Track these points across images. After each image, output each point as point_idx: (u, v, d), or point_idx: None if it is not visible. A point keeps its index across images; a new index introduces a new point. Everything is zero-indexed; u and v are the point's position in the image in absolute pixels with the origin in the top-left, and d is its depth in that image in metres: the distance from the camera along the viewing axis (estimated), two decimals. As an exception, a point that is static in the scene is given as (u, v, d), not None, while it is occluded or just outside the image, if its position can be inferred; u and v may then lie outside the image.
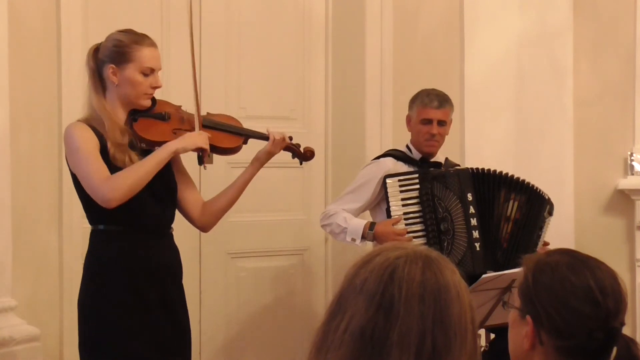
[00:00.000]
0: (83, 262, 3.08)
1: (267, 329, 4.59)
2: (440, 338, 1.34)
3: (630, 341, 1.94)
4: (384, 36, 4.67)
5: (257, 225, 4.57)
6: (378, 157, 4.03)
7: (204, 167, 3.13)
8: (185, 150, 3.02)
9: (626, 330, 1.87)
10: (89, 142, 2.92)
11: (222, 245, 4.46)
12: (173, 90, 4.02)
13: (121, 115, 3.04)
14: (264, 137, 3.22)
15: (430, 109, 3.93)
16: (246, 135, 3.22)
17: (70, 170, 3.01)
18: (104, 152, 2.94)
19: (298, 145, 3.31)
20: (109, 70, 3.00)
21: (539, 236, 3.83)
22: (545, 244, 3.88)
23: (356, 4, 4.67)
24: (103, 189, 2.86)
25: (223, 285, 4.48)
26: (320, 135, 4.75)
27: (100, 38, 4.04)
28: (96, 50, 3.05)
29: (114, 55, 2.99)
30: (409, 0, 4.77)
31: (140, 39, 3.02)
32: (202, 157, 3.07)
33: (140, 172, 2.91)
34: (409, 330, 1.34)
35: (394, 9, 4.69)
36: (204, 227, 3.29)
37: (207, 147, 3.05)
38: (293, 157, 3.34)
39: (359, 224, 3.84)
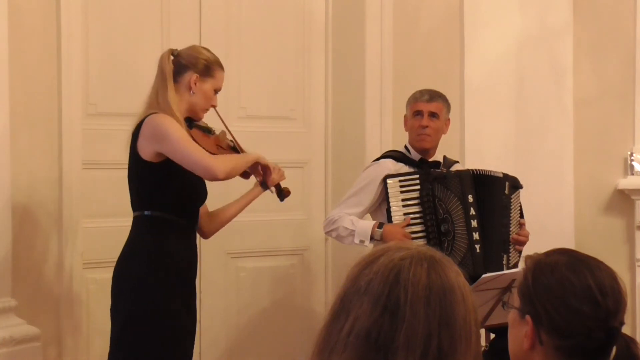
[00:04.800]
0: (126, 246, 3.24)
1: (267, 328, 4.59)
2: (446, 340, 1.34)
3: (630, 340, 1.94)
4: (384, 36, 4.67)
5: (257, 225, 4.56)
6: (378, 159, 4.03)
7: (271, 191, 3.44)
8: (264, 163, 3.34)
9: (626, 330, 1.87)
10: (184, 131, 3.16)
11: (222, 245, 4.46)
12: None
13: (182, 119, 3.27)
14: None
15: (421, 102, 3.95)
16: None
17: (136, 157, 3.16)
18: None
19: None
20: (192, 77, 3.26)
21: (508, 216, 3.83)
22: (522, 222, 3.90)
23: (356, 4, 4.67)
24: (214, 162, 3.12)
25: (223, 285, 4.48)
26: (320, 135, 4.74)
27: (100, 38, 4.07)
28: (173, 53, 3.30)
29: (201, 66, 3.28)
30: (409, 0, 4.77)
31: (219, 60, 3.36)
32: (282, 192, 3.44)
33: (239, 161, 3.27)
34: (415, 332, 1.33)
35: (394, 9, 4.69)
36: (206, 234, 3.56)
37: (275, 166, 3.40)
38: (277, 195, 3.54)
39: (366, 225, 3.84)
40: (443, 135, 4.03)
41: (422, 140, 3.93)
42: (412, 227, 3.78)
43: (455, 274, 1.40)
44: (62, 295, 3.89)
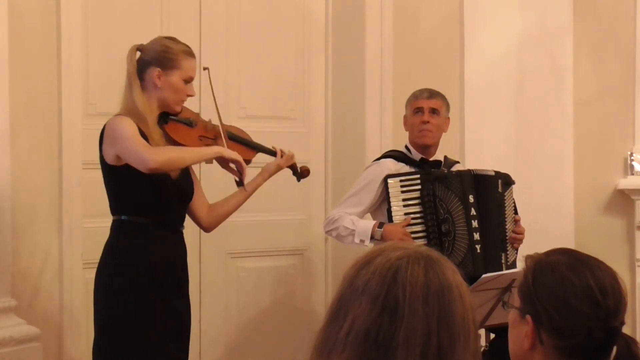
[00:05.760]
0: (102, 250, 3.20)
1: (267, 328, 4.59)
2: (445, 339, 1.34)
3: (630, 340, 1.94)
4: (384, 36, 4.67)
5: (257, 225, 4.56)
6: (378, 159, 4.02)
7: (245, 189, 3.32)
8: (230, 157, 3.20)
9: (626, 330, 1.87)
10: (134, 127, 3.07)
11: (222, 245, 4.46)
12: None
13: (154, 116, 3.19)
14: (272, 153, 3.49)
15: (421, 99, 3.96)
16: (258, 149, 3.46)
17: (102, 161, 3.13)
18: None
19: (296, 165, 3.57)
20: (154, 72, 3.15)
21: (503, 214, 3.84)
22: (516, 219, 3.90)
23: (356, 4, 4.67)
24: (148, 151, 3.00)
25: (223, 285, 4.48)
26: (320, 135, 4.74)
27: (100, 38, 4.07)
28: (138, 50, 3.20)
29: (162, 59, 3.16)
30: (409, 0, 4.77)
31: (188, 48, 3.22)
32: (241, 179, 3.26)
33: (184, 153, 3.12)
34: (414, 331, 1.33)
35: (394, 9, 4.69)
36: (207, 228, 3.48)
37: (244, 165, 3.24)
38: (293, 174, 3.58)
39: (367, 224, 3.84)
40: (443, 135, 4.03)
41: (423, 137, 3.93)
42: (413, 227, 3.78)
43: (452, 273, 1.40)
44: (62, 295, 3.89)
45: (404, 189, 3.81)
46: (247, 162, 3.34)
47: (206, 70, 3.33)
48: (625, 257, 4.91)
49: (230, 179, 3.38)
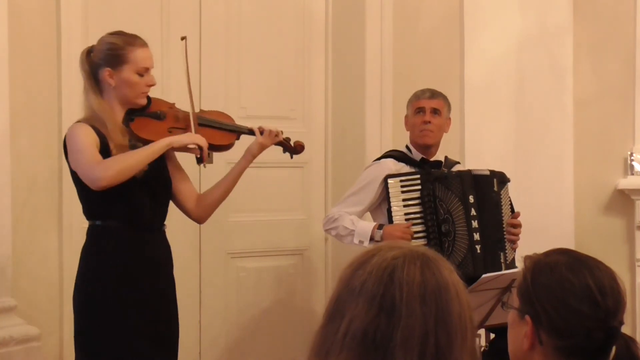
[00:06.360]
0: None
1: (267, 328, 4.59)
2: (443, 338, 1.34)
3: (629, 340, 1.94)
4: (384, 36, 4.67)
5: (257, 225, 4.57)
6: (379, 159, 4.03)
7: (204, 166, 3.20)
8: (180, 144, 3.10)
9: (626, 330, 1.87)
10: (88, 138, 2.99)
11: (222, 245, 4.46)
12: (173, 89, 4.03)
13: (119, 115, 3.11)
14: (252, 132, 3.32)
15: (423, 99, 3.96)
16: (239, 131, 3.32)
17: (70, 169, 3.08)
18: (105, 151, 3.01)
19: (288, 140, 3.41)
20: (105, 73, 3.07)
21: (500, 213, 3.84)
22: (516, 215, 3.90)
23: (356, 4, 4.67)
24: (95, 170, 2.93)
25: (223, 285, 4.48)
26: (320, 135, 4.75)
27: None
28: (89, 53, 3.12)
29: (108, 58, 3.06)
30: (409, 0, 4.77)
31: (133, 40, 3.10)
32: (201, 157, 3.13)
33: (133, 158, 2.99)
34: (412, 331, 1.33)
35: (394, 9, 4.69)
36: (199, 219, 3.38)
37: (204, 144, 3.11)
38: (284, 152, 3.44)
39: (366, 225, 3.84)
40: (443, 135, 4.03)
41: (425, 136, 3.94)
42: (413, 227, 3.78)
43: (448, 272, 1.40)
44: (62, 295, 3.88)
45: (404, 189, 3.81)
46: (226, 147, 3.26)
47: (184, 40, 3.23)
48: (625, 257, 4.90)
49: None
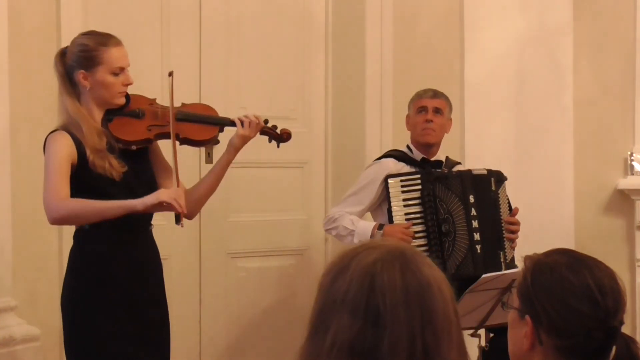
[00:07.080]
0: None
1: (267, 328, 4.59)
2: (430, 337, 1.34)
3: (629, 340, 1.94)
4: (384, 36, 4.67)
5: (257, 225, 4.56)
6: (379, 158, 4.03)
7: (181, 225, 3.05)
8: (143, 210, 2.95)
9: (626, 330, 1.87)
10: (61, 154, 2.94)
11: (222, 245, 4.46)
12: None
13: (97, 117, 3.06)
14: (233, 124, 3.20)
15: (425, 98, 3.97)
16: (221, 124, 3.21)
17: None
18: (83, 159, 2.96)
19: (274, 128, 3.29)
20: (79, 75, 3.01)
21: (498, 212, 3.84)
22: (515, 211, 3.90)
23: (356, 4, 4.67)
24: (51, 203, 2.90)
25: (223, 285, 4.48)
26: (320, 135, 4.74)
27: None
28: (62, 55, 3.07)
29: (82, 60, 3.01)
30: (409, 0, 4.77)
31: (106, 39, 3.03)
32: (177, 214, 3.00)
33: (92, 210, 2.92)
34: (399, 337, 1.33)
35: (394, 9, 4.69)
36: (186, 215, 3.23)
37: (172, 201, 2.95)
38: (270, 141, 3.30)
39: (366, 225, 3.84)
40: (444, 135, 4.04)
41: (426, 135, 3.94)
42: (413, 227, 3.78)
43: (428, 268, 1.39)
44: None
45: (405, 189, 3.81)
46: (208, 141, 3.18)
47: (171, 77, 3.12)
48: (625, 257, 4.90)
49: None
